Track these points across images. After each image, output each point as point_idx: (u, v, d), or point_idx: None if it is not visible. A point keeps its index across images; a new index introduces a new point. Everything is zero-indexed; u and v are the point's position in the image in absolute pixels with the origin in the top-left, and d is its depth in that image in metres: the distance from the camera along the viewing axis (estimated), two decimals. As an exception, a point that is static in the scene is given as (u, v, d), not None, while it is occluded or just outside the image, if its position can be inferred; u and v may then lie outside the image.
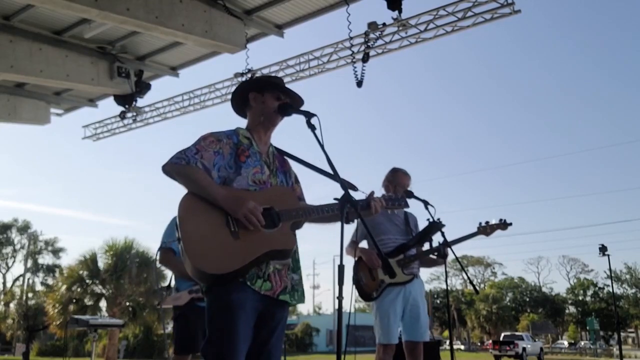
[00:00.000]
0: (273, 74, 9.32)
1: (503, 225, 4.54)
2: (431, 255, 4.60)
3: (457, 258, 4.64)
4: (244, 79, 9.43)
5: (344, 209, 2.60)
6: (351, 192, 2.65)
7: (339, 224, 2.60)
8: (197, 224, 2.40)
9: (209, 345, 2.37)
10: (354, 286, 4.45)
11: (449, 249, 4.44)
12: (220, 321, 2.37)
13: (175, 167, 2.48)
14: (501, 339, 33.32)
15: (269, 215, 2.48)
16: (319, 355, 35.25)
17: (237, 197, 2.43)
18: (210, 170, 2.50)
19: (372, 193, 2.76)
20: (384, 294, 4.37)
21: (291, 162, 2.88)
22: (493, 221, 4.55)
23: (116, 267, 18.58)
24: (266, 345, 2.51)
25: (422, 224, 4.62)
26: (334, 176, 2.70)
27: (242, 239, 2.39)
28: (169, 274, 4.79)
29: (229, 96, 9.75)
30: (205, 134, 2.62)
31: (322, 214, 2.64)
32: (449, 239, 4.42)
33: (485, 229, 4.53)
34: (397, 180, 4.67)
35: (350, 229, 4.54)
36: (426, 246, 4.56)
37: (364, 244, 4.61)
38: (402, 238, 4.60)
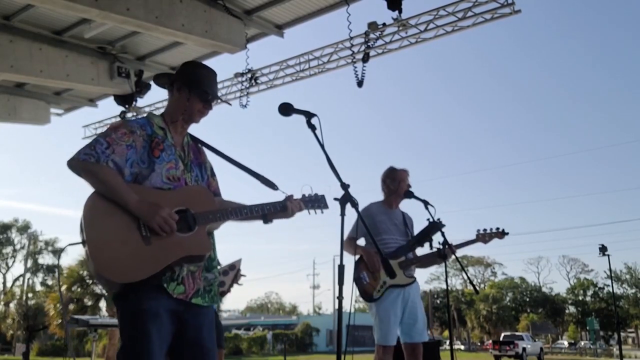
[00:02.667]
0: (272, 73, 9.32)
1: (500, 234, 4.61)
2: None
3: (457, 258, 4.65)
4: (244, 79, 9.43)
5: (345, 208, 2.59)
6: (271, 191, 2.63)
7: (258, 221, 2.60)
8: (105, 228, 2.23)
9: (122, 355, 2.25)
10: (355, 285, 4.43)
11: (449, 250, 4.44)
12: (133, 330, 2.24)
13: (83, 164, 2.28)
14: (501, 339, 33.34)
15: (184, 218, 2.34)
16: (319, 355, 35.24)
17: (150, 203, 2.26)
18: (122, 168, 2.33)
19: (291, 196, 2.66)
20: (385, 295, 4.36)
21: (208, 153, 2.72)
22: (490, 229, 4.61)
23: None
24: (198, 343, 2.39)
25: (422, 224, 4.62)
26: (252, 172, 2.67)
27: (155, 244, 2.24)
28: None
29: (229, 96, 9.82)
30: (116, 122, 2.46)
31: (239, 216, 2.53)
32: (449, 241, 4.42)
33: (484, 237, 4.59)
34: (398, 177, 4.68)
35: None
36: (426, 247, 4.56)
37: (361, 242, 4.57)
38: (402, 239, 4.60)
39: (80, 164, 2.29)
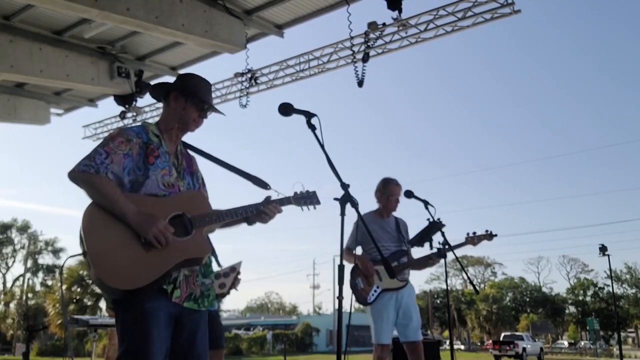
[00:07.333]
0: (272, 72, 9.32)
1: (489, 236, 4.69)
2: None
3: (457, 258, 4.72)
4: (244, 79, 9.43)
5: (345, 208, 2.60)
6: (264, 191, 2.67)
7: (244, 225, 2.64)
8: (105, 237, 2.26)
9: (124, 357, 2.26)
10: (351, 291, 4.66)
11: (447, 250, 4.53)
12: (135, 332, 2.25)
13: (82, 176, 2.30)
14: (501, 339, 33.33)
15: (181, 222, 2.39)
16: (319, 355, 35.23)
17: (146, 215, 2.29)
18: (121, 177, 2.36)
19: (268, 197, 2.66)
20: (378, 299, 4.56)
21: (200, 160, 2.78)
22: (479, 232, 4.70)
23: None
24: (192, 347, 2.43)
25: (422, 224, 4.67)
26: (244, 173, 2.72)
27: (154, 250, 2.27)
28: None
29: (229, 96, 9.83)
30: (113, 132, 2.51)
31: (234, 217, 2.57)
32: (449, 241, 4.51)
33: (473, 239, 4.67)
34: (389, 191, 4.80)
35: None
36: (426, 247, 4.66)
37: (358, 250, 4.78)
38: (394, 245, 4.76)
39: (80, 175, 2.31)
